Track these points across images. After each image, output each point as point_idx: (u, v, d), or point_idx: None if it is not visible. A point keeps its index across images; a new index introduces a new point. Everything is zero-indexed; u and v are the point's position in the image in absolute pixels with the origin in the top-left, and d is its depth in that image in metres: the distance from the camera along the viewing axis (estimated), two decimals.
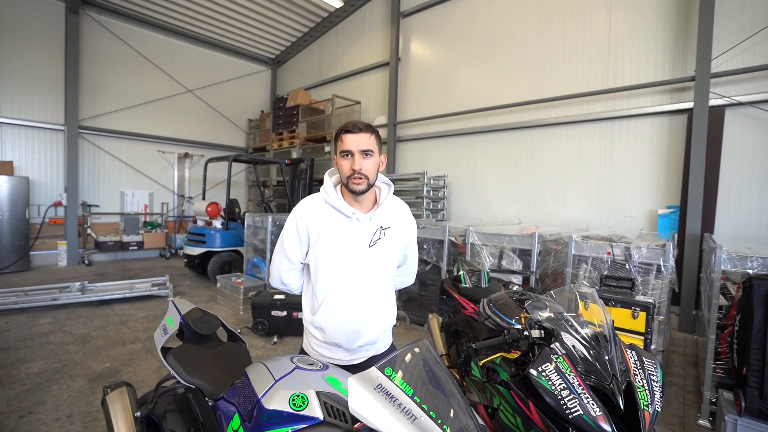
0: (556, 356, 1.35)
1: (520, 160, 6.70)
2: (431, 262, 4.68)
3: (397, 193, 1.67)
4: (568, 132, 6.12)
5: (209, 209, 7.03)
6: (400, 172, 8.38)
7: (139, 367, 3.47)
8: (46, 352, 3.74)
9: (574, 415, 1.20)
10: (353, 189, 1.43)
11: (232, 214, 7.17)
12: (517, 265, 4.07)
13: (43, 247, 7.99)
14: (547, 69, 6.30)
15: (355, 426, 1.04)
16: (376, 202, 1.56)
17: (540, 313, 1.59)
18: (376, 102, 9.04)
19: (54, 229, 8.11)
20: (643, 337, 2.65)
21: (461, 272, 3.03)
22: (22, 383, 3.12)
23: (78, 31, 8.13)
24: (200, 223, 7.36)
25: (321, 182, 1.58)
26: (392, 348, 1.68)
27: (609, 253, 3.32)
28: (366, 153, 1.42)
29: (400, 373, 0.92)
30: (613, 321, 1.50)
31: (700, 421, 2.82)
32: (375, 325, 1.55)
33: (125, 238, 8.67)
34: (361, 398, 0.85)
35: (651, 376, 1.34)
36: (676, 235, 4.33)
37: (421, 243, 4.63)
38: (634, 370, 1.35)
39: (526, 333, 1.54)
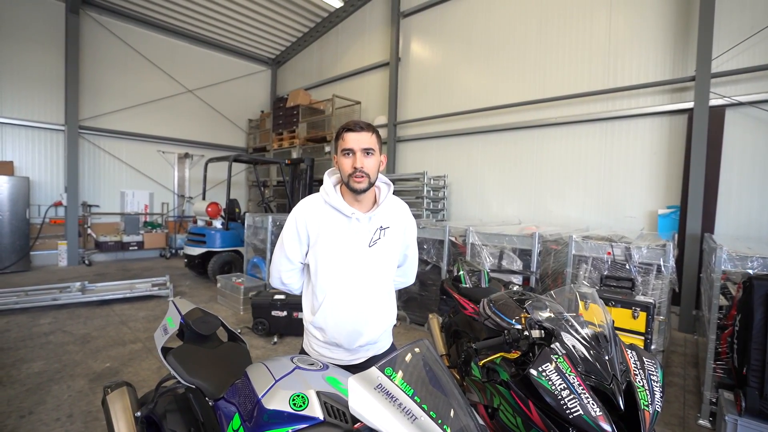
0: (557, 356, 1.35)
1: (520, 160, 6.69)
2: (431, 262, 4.68)
3: (397, 193, 1.67)
4: (569, 132, 6.12)
5: (209, 209, 7.04)
6: (400, 172, 8.38)
7: (139, 367, 3.47)
8: (47, 352, 3.74)
9: (575, 415, 1.20)
10: (354, 187, 1.43)
11: (232, 214, 7.17)
12: (518, 265, 4.06)
13: (43, 247, 7.99)
14: (548, 69, 6.30)
15: (356, 426, 1.04)
16: (375, 201, 1.56)
17: (540, 313, 1.59)
18: (376, 102, 9.04)
19: (54, 229, 8.12)
20: (643, 337, 2.65)
21: (461, 272, 3.03)
22: (22, 383, 3.13)
23: (78, 31, 8.13)
24: (200, 223, 7.37)
25: (321, 182, 1.58)
26: (392, 348, 1.68)
27: (609, 253, 3.31)
28: (367, 151, 1.43)
29: (400, 373, 0.92)
30: (613, 321, 1.50)
31: (701, 421, 2.82)
32: (375, 324, 1.55)
33: (125, 238, 8.67)
34: (361, 398, 0.86)
35: (651, 376, 1.34)
36: (676, 235, 4.33)
37: (421, 243, 4.63)
38: (634, 370, 1.35)
39: (526, 333, 1.54)
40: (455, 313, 2.81)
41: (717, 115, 4.72)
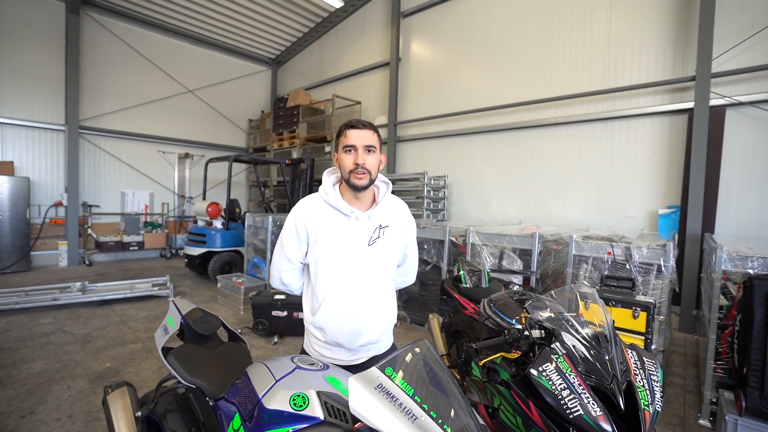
0: (557, 356, 1.35)
1: (520, 160, 6.69)
2: (432, 263, 4.68)
3: (397, 193, 1.68)
4: (569, 132, 6.11)
5: (210, 209, 7.04)
6: (400, 172, 8.38)
7: (139, 367, 3.48)
8: (47, 352, 3.74)
9: (575, 414, 1.20)
10: (355, 184, 1.44)
11: (232, 214, 7.17)
12: (518, 265, 4.07)
13: (43, 247, 8.00)
14: (548, 69, 6.30)
15: (356, 426, 1.04)
16: (374, 200, 1.57)
17: (540, 313, 1.59)
18: (377, 102, 9.04)
19: (54, 229, 8.12)
20: (643, 337, 2.65)
21: (462, 272, 3.03)
22: (23, 383, 3.13)
23: (78, 31, 8.14)
24: (201, 223, 7.37)
25: (321, 182, 1.58)
26: (393, 348, 1.68)
27: (609, 253, 3.31)
28: (369, 149, 1.44)
29: (400, 373, 0.92)
30: (613, 321, 1.50)
31: (701, 421, 2.82)
32: (376, 324, 1.55)
33: (126, 239, 8.68)
34: (361, 398, 0.86)
35: (651, 376, 1.34)
36: (676, 235, 4.33)
37: (421, 243, 4.63)
38: (634, 370, 1.35)
39: (526, 333, 1.54)
40: (455, 313, 2.81)
41: (717, 115, 4.72)
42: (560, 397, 1.24)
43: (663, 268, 3.11)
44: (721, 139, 4.75)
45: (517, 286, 3.78)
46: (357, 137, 1.43)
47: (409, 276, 1.81)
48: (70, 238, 8.08)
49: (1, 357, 3.58)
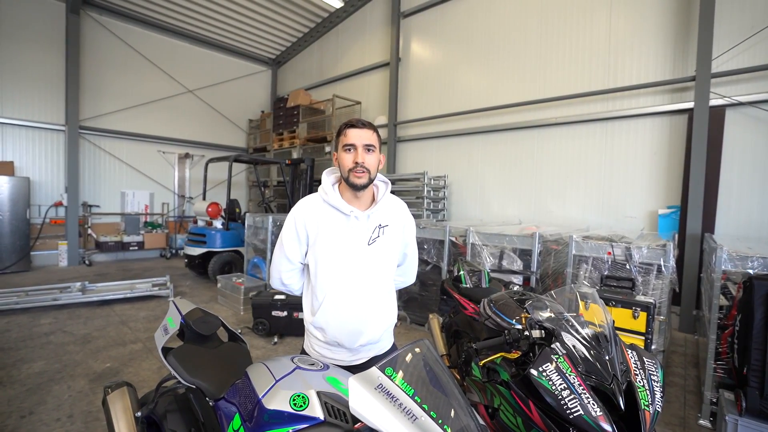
0: (557, 356, 1.35)
1: (520, 160, 6.69)
2: (432, 263, 4.68)
3: (397, 193, 1.68)
4: (569, 132, 6.12)
5: (210, 209, 7.04)
6: (400, 172, 8.38)
7: (139, 367, 3.48)
8: (47, 352, 3.74)
9: (575, 415, 1.20)
10: (354, 182, 1.44)
11: (232, 214, 7.17)
12: (518, 265, 4.06)
13: (43, 247, 8.00)
14: (548, 69, 6.30)
15: (356, 426, 1.04)
16: (374, 200, 1.57)
17: (540, 313, 1.59)
18: (377, 102, 9.04)
19: (55, 229, 8.12)
20: (643, 337, 2.65)
21: (462, 272, 3.03)
22: (22, 383, 3.13)
23: (78, 31, 8.14)
24: (201, 223, 7.37)
25: (321, 182, 1.58)
26: (394, 348, 1.68)
27: (609, 253, 3.31)
28: (368, 148, 1.45)
29: (400, 373, 0.92)
30: (613, 321, 1.50)
31: (701, 421, 2.82)
32: (376, 323, 1.55)
33: (126, 239, 8.68)
34: (361, 398, 0.86)
35: (651, 376, 1.34)
36: (676, 235, 4.33)
37: (421, 243, 4.63)
38: (634, 370, 1.35)
39: (526, 333, 1.54)
40: (455, 313, 2.81)
41: (717, 115, 4.72)
42: (560, 397, 1.24)
43: (663, 268, 3.11)
44: (721, 139, 4.75)
45: (517, 286, 3.78)
46: (357, 136, 1.44)
47: (409, 276, 1.81)
48: (70, 238, 8.08)
49: (1, 357, 3.58)
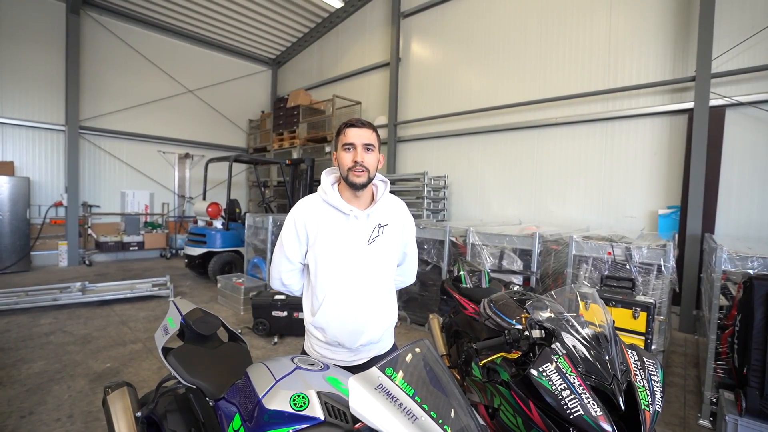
0: (557, 356, 1.35)
1: (520, 160, 6.70)
2: (432, 263, 4.68)
3: (397, 193, 1.68)
4: (569, 132, 6.12)
5: (210, 209, 7.04)
6: (400, 172, 8.38)
7: (139, 368, 3.48)
8: (47, 352, 3.74)
9: (575, 415, 1.20)
10: (353, 181, 1.44)
11: (232, 214, 7.17)
12: (518, 265, 4.06)
13: (43, 247, 8.00)
14: (548, 69, 6.30)
15: (356, 426, 1.04)
16: (373, 199, 1.57)
17: (540, 313, 1.59)
18: (377, 102, 9.04)
19: (55, 229, 8.12)
20: (643, 338, 2.65)
21: (462, 272, 3.03)
22: (22, 383, 3.13)
23: (78, 31, 8.14)
24: (201, 223, 7.37)
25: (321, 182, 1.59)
26: (394, 348, 1.68)
27: (609, 254, 3.31)
28: (368, 147, 1.45)
29: (400, 373, 0.92)
30: (613, 321, 1.50)
31: (701, 422, 2.82)
32: (376, 323, 1.55)
33: (126, 239, 8.68)
34: (361, 398, 0.86)
35: (651, 376, 1.34)
36: (676, 236, 4.32)
37: (421, 243, 4.63)
38: (634, 370, 1.35)
39: (526, 333, 1.54)
40: (456, 314, 2.81)
41: (717, 115, 4.72)
42: (560, 397, 1.24)
43: (663, 268, 3.11)
44: (721, 140, 4.75)
45: (518, 287, 3.78)
46: (356, 135, 1.44)
47: (409, 276, 1.81)
48: (70, 238, 8.08)
49: (1, 357, 3.58)
